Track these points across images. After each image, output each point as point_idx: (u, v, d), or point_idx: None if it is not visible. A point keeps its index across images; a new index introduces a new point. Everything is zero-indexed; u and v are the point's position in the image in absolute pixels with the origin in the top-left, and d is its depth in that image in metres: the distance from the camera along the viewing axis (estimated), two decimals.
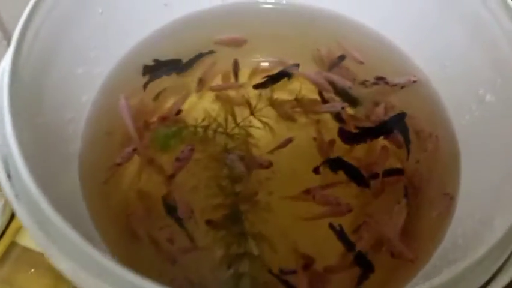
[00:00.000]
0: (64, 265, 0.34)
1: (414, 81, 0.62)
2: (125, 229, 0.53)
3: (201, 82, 0.64)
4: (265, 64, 0.68)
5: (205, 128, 0.60)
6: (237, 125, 0.60)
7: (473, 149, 0.55)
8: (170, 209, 0.54)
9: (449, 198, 0.54)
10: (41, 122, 0.47)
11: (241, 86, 0.65)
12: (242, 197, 0.55)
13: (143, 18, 0.64)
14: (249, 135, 0.60)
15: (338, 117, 0.61)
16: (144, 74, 0.64)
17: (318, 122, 0.61)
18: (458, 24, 0.57)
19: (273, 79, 0.64)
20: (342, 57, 0.66)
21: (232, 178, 0.56)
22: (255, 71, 0.66)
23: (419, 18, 0.62)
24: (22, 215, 0.36)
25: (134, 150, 0.58)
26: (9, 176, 0.37)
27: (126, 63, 0.64)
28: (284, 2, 0.70)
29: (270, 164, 0.57)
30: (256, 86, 0.64)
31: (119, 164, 0.57)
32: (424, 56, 0.63)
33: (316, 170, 0.57)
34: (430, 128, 0.60)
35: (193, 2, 0.67)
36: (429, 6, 0.60)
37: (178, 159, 0.57)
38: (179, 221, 0.53)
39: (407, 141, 0.59)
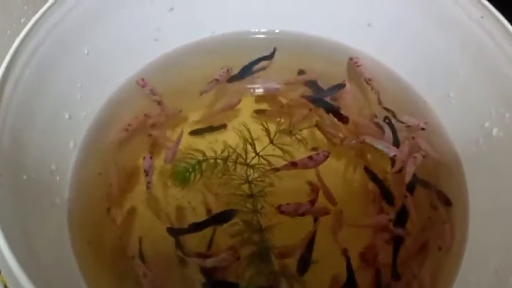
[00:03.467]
0: None
1: (423, 129, 0.59)
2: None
3: None
4: (260, 90, 0.66)
5: (225, 159, 0.57)
6: (257, 154, 0.57)
7: (481, 187, 0.52)
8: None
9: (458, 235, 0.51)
10: (25, 178, 0.44)
11: None
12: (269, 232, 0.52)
13: (132, 54, 0.62)
14: (270, 164, 0.57)
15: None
16: None
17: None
18: (462, 54, 0.54)
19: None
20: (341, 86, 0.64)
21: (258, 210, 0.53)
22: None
23: (420, 45, 0.60)
24: None
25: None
26: None
27: (115, 101, 0.62)
28: (277, 31, 0.68)
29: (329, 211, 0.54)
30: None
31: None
32: (426, 84, 0.61)
33: None
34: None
35: (184, 35, 0.65)
36: (431, 33, 0.58)
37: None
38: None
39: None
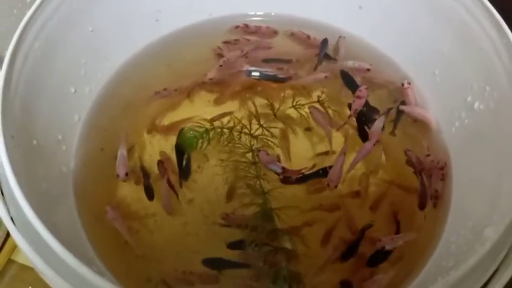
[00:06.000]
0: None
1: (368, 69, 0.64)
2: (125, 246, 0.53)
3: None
4: (256, 74, 0.69)
5: (231, 129, 0.61)
6: (261, 126, 0.62)
7: (463, 157, 0.56)
8: None
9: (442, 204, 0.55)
10: (35, 144, 0.47)
11: None
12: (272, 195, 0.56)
13: (134, 34, 0.65)
14: (272, 135, 0.62)
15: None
16: None
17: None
18: (446, 33, 0.57)
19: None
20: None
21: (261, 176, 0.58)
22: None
23: (407, 25, 0.63)
24: (18, 238, 0.37)
25: None
26: (4, 198, 0.38)
27: (117, 79, 0.65)
28: (273, 14, 0.71)
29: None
30: None
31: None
32: (413, 64, 0.64)
33: None
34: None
35: (183, 17, 0.68)
36: (418, 15, 0.61)
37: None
38: None
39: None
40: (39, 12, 0.50)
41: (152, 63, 0.67)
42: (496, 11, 0.50)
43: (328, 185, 0.55)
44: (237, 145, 0.61)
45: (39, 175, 0.46)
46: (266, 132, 0.62)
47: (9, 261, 0.70)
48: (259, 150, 0.59)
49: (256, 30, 0.70)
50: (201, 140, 0.60)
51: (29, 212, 0.35)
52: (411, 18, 0.61)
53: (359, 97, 0.62)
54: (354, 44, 0.68)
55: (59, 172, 0.53)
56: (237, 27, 0.69)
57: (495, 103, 0.51)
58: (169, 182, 0.57)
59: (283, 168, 0.58)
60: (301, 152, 0.62)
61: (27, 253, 0.35)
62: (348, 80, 0.65)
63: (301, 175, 0.58)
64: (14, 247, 0.70)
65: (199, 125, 0.61)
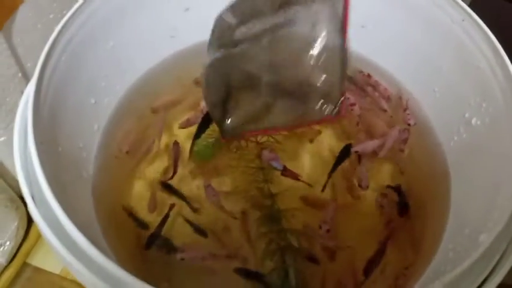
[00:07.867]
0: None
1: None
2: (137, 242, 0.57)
3: None
4: None
5: None
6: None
7: (461, 169, 0.59)
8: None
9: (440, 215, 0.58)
10: (60, 150, 0.51)
11: None
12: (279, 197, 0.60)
13: (151, 49, 0.68)
14: (277, 142, 0.65)
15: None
16: None
17: None
18: (446, 53, 0.61)
19: None
20: None
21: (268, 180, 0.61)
22: None
23: (409, 45, 0.66)
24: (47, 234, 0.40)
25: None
26: (33, 199, 0.41)
27: (133, 91, 0.68)
28: None
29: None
30: None
31: None
32: (414, 81, 0.68)
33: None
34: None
35: (198, 33, 0.71)
36: (419, 35, 0.65)
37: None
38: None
39: None
40: (67, 28, 0.54)
41: (166, 78, 0.71)
42: (492, 34, 0.53)
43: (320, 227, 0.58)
44: (245, 152, 0.64)
45: (63, 180, 0.49)
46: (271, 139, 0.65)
47: (24, 264, 0.73)
48: (262, 149, 0.62)
49: (375, 84, 0.69)
50: (213, 149, 0.64)
51: (60, 214, 0.38)
52: (413, 39, 0.65)
53: (352, 104, 0.65)
54: (356, 62, 0.71)
55: (80, 177, 0.56)
56: None
57: (491, 119, 0.54)
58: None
59: (284, 166, 0.61)
60: (303, 161, 0.65)
61: (54, 246, 0.38)
62: None
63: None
64: (30, 250, 0.73)
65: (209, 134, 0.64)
